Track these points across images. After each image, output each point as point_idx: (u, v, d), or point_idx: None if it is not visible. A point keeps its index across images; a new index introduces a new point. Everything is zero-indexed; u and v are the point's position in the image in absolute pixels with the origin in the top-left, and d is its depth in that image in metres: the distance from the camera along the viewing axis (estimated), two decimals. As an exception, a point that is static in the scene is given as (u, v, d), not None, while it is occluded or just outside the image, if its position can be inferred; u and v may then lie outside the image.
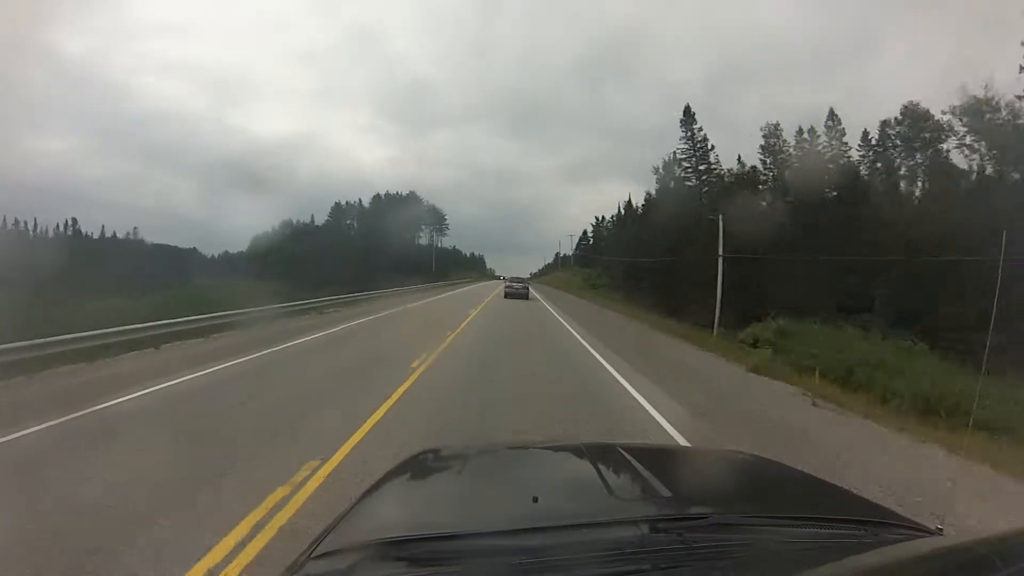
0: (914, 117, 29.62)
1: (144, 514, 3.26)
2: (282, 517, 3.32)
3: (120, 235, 69.20)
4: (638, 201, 48.84)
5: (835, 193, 27.08)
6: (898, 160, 30.53)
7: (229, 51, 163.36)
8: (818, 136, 31.18)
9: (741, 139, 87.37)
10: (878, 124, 31.15)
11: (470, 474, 1.72)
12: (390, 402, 6.35)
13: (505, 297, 29.20)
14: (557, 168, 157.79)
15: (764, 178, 31.62)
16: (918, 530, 1.20)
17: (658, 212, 35.68)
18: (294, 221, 70.87)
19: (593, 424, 5.94)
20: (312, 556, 1.09)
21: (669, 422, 6.00)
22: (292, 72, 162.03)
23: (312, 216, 74.98)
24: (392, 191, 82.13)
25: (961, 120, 26.36)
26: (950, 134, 27.07)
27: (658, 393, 7.51)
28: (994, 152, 24.72)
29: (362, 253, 55.54)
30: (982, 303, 12.61)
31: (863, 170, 30.41)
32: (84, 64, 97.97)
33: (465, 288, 47.57)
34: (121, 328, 9.67)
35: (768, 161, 32.73)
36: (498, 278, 73.10)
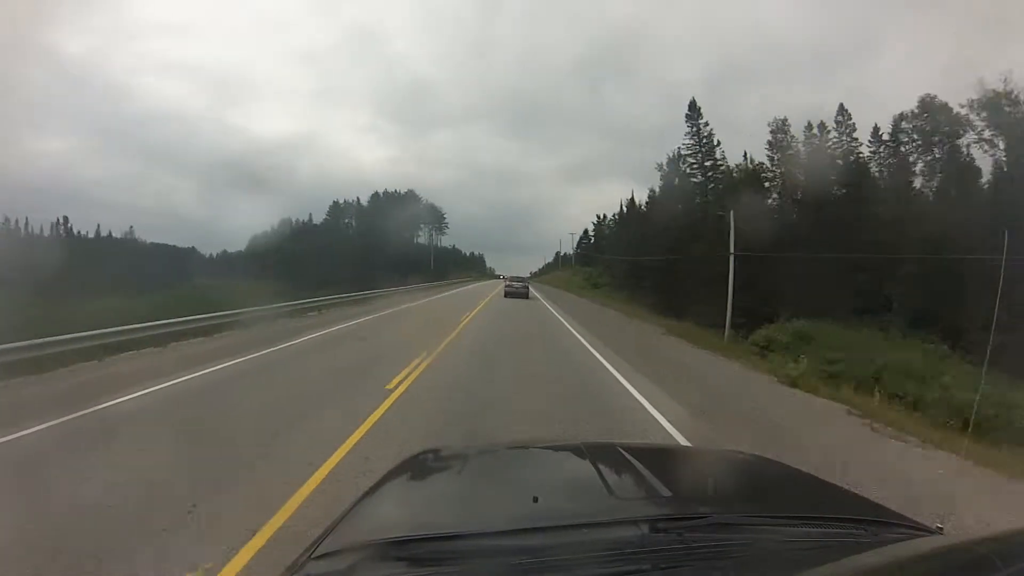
0: (931, 111, 28.25)
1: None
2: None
3: (117, 235, 69.17)
4: (641, 199, 48.32)
5: (844, 190, 26.51)
6: (914, 155, 29.24)
7: (229, 51, 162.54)
8: (828, 131, 30.47)
9: (742, 139, 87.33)
10: (890, 119, 29.97)
11: (470, 474, 1.72)
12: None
13: (505, 296, 29.19)
14: (557, 168, 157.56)
15: (771, 174, 31.26)
16: (918, 530, 1.20)
17: (663, 209, 35.27)
18: (293, 220, 70.87)
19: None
20: (312, 556, 1.09)
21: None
22: (292, 72, 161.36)
23: (310, 215, 75.02)
24: (391, 190, 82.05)
25: (979, 115, 25.40)
26: (968, 128, 26.07)
27: (687, 418, 6.17)
28: (1013, 147, 23.73)
29: (360, 252, 55.48)
30: (1008, 302, 11.90)
31: (874, 167, 29.70)
32: (84, 64, 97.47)
33: (465, 287, 47.48)
34: (120, 328, 9.63)
35: (776, 157, 31.94)
36: (498, 277, 72.96)
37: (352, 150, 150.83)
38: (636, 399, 7.17)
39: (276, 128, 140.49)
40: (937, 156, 28.08)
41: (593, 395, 7.47)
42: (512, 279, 35.06)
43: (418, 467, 1.80)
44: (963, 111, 26.15)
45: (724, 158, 35.03)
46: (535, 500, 1.26)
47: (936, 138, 27.82)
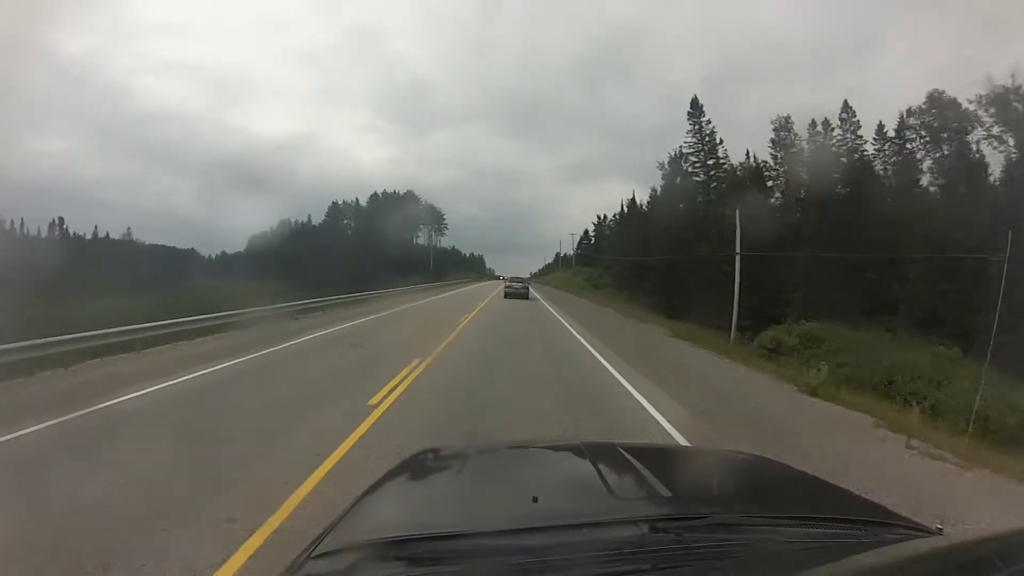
0: (939, 106, 27.52)
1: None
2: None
3: (115, 236, 68.95)
4: (642, 199, 48.07)
5: (849, 188, 26.06)
6: (922, 152, 28.47)
7: (229, 51, 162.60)
8: (832, 129, 30.02)
9: (743, 139, 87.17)
10: (892, 118, 29.34)
11: (470, 474, 1.72)
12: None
13: (505, 297, 29.16)
14: (557, 168, 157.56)
15: (775, 173, 30.96)
16: (918, 530, 1.20)
17: (664, 208, 34.95)
18: (292, 221, 70.84)
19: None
20: (312, 556, 1.09)
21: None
22: (292, 72, 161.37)
23: (309, 216, 75.02)
24: (390, 190, 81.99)
25: (987, 111, 24.85)
26: (976, 124, 25.46)
27: (706, 430, 5.86)
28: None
29: (358, 253, 55.43)
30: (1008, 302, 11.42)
31: (879, 164, 29.15)
32: (84, 64, 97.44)
33: (464, 288, 47.45)
34: (120, 329, 9.65)
35: (779, 155, 31.50)
36: (498, 278, 72.94)
37: (352, 150, 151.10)
38: (636, 399, 7.16)
39: (276, 128, 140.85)
40: (946, 152, 27.39)
41: (593, 395, 7.46)
42: (512, 280, 34.97)
43: (418, 466, 1.80)
44: (971, 107, 25.62)
45: (727, 157, 34.72)
46: (535, 500, 1.25)
47: (945, 134, 27.18)
